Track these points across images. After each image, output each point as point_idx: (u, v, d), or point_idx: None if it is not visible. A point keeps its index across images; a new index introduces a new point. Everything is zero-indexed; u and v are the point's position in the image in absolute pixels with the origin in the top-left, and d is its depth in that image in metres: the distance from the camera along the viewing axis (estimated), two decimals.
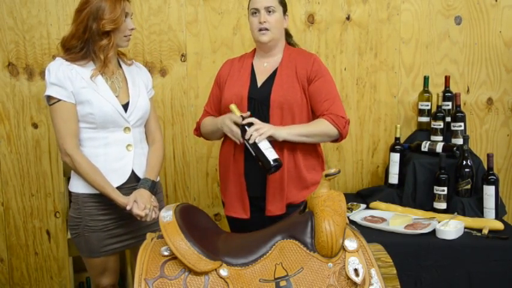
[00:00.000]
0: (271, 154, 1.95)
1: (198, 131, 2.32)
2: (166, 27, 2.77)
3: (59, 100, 1.90)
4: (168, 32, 2.78)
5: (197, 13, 2.78)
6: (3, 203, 2.81)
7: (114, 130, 1.97)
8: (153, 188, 2.00)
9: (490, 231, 2.23)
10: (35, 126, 2.77)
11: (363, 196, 2.79)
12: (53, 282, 2.92)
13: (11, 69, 2.71)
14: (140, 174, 2.03)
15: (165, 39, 2.78)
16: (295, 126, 2.08)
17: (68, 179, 2.62)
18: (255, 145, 1.96)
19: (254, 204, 2.15)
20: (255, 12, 2.12)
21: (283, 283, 1.36)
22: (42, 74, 2.72)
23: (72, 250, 2.54)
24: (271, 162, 1.94)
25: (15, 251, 2.86)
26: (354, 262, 1.37)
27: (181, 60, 2.81)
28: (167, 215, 1.43)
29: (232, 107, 2.06)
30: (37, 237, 2.86)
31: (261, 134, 1.96)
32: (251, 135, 1.96)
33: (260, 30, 2.11)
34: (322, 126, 2.08)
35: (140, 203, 1.91)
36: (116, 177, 1.97)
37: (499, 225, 2.27)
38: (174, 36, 2.79)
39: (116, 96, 1.97)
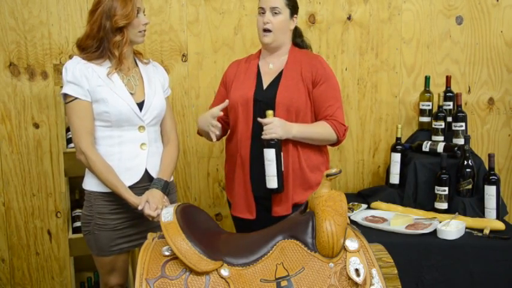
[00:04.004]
0: (271, 174, 2.03)
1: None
2: (168, 27, 2.77)
3: (76, 98, 1.92)
4: (169, 32, 2.78)
5: (198, 13, 2.78)
6: (5, 203, 2.81)
7: (128, 129, 1.98)
8: (166, 188, 2.00)
9: (491, 232, 2.23)
10: (36, 126, 2.77)
11: (363, 196, 2.79)
12: (54, 282, 2.92)
13: (12, 69, 2.71)
14: (154, 173, 2.03)
15: (166, 39, 2.78)
16: (304, 127, 2.10)
17: (69, 179, 2.64)
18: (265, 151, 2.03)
19: (260, 204, 2.16)
20: (261, 12, 2.13)
21: (284, 283, 1.35)
22: (43, 74, 2.73)
23: (73, 250, 2.55)
24: (267, 185, 2.05)
25: (17, 251, 2.87)
26: (355, 262, 1.37)
27: (182, 60, 2.81)
28: (168, 215, 1.43)
29: (269, 112, 2.05)
30: (38, 237, 2.87)
31: (266, 133, 2.01)
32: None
33: (264, 30, 2.13)
34: (326, 131, 2.12)
35: (152, 204, 1.91)
36: (129, 176, 1.97)
37: (500, 226, 2.27)
38: (175, 36, 2.79)
39: (132, 95, 1.98)
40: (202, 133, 2.23)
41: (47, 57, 2.71)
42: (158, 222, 1.91)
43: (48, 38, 2.71)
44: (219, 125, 2.09)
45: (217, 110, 2.05)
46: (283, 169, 2.06)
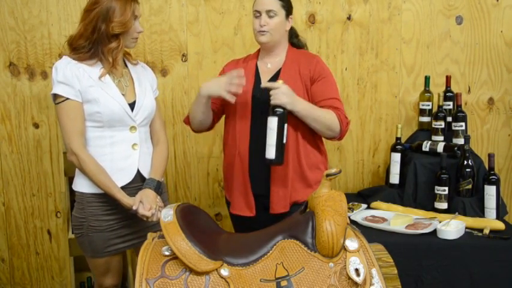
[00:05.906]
0: (271, 143, 1.99)
1: (187, 118, 2.30)
2: (167, 27, 2.77)
3: (66, 99, 1.89)
4: (169, 32, 2.78)
5: (198, 13, 2.78)
6: (5, 203, 2.81)
7: (120, 129, 1.97)
8: (158, 188, 2.00)
9: (491, 231, 2.23)
10: (36, 126, 2.77)
11: (363, 196, 2.79)
12: (54, 282, 2.92)
13: (12, 69, 2.71)
14: (145, 173, 2.03)
15: (166, 39, 2.78)
16: (311, 106, 2.10)
17: (69, 179, 2.64)
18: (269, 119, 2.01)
19: (259, 202, 2.16)
20: (257, 15, 2.15)
21: (284, 283, 1.36)
22: (43, 74, 2.73)
23: (73, 250, 2.55)
24: (266, 155, 2.01)
25: (17, 251, 2.87)
26: (354, 262, 1.37)
27: (182, 60, 2.81)
28: (168, 215, 1.43)
29: (280, 81, 2.06)
30: (38, 237, 2.87)
31: (274, 98, 2.00)
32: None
33: (260, 31, 2.14)
34: (331, 118, 2.11)
35: (146, 204, 1.91)
36: (121, 177, 1.97)
37: (500, 225, 2.27)
38: (175, 36, 2.79)
39: (123, 95, 1.97)
40: (197, 115, 2.21)
41: (47, 57, 2.71)
42: (152, 222, 1.93)
43: (48, 38, 2.70)
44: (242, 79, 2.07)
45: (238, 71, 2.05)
46: (284, 142, 2.03)
